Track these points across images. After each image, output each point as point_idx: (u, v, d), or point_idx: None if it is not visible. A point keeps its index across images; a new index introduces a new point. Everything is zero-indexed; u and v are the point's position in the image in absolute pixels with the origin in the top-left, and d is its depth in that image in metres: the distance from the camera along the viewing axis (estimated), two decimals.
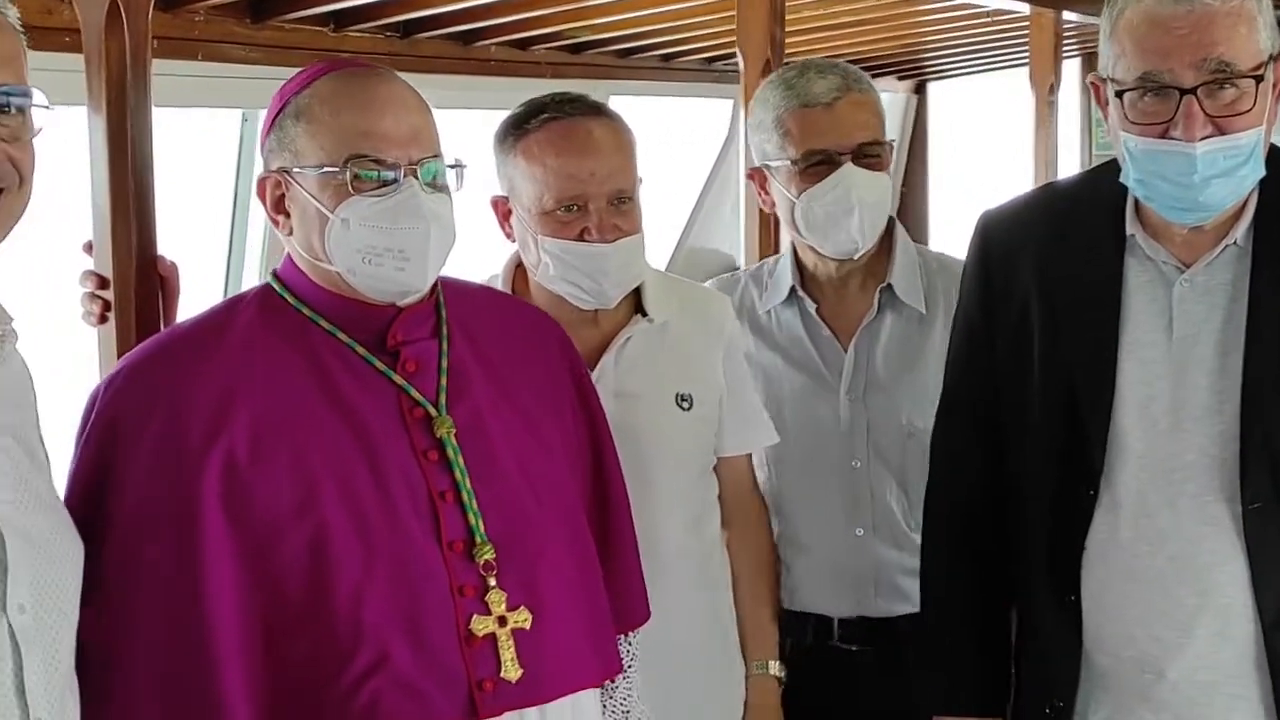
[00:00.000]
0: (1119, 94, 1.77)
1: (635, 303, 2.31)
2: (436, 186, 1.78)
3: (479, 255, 2.44)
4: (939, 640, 2.11)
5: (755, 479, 2.50)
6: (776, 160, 2.45)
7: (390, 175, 1.73)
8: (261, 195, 1.82)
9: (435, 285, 1.85)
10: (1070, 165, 5.75)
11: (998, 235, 2.04)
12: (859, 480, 2.48)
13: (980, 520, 2.06)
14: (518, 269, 2.33)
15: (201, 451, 1.68)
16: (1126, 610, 1.87)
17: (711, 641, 2.37)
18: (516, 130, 2.20)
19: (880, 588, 2.48)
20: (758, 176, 2.54)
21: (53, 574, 1.52)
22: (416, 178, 1.74)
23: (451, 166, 1.82)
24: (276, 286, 1.84)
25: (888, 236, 2.53)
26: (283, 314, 1.81)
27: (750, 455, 2.48)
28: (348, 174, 1.72)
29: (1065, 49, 5.15)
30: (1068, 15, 4.65)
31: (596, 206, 2.16)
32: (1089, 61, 6.31)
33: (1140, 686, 1.87)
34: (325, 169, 1.73)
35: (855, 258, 2.46)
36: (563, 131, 2.17)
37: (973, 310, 2.05)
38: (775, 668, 2.43)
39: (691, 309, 2.37)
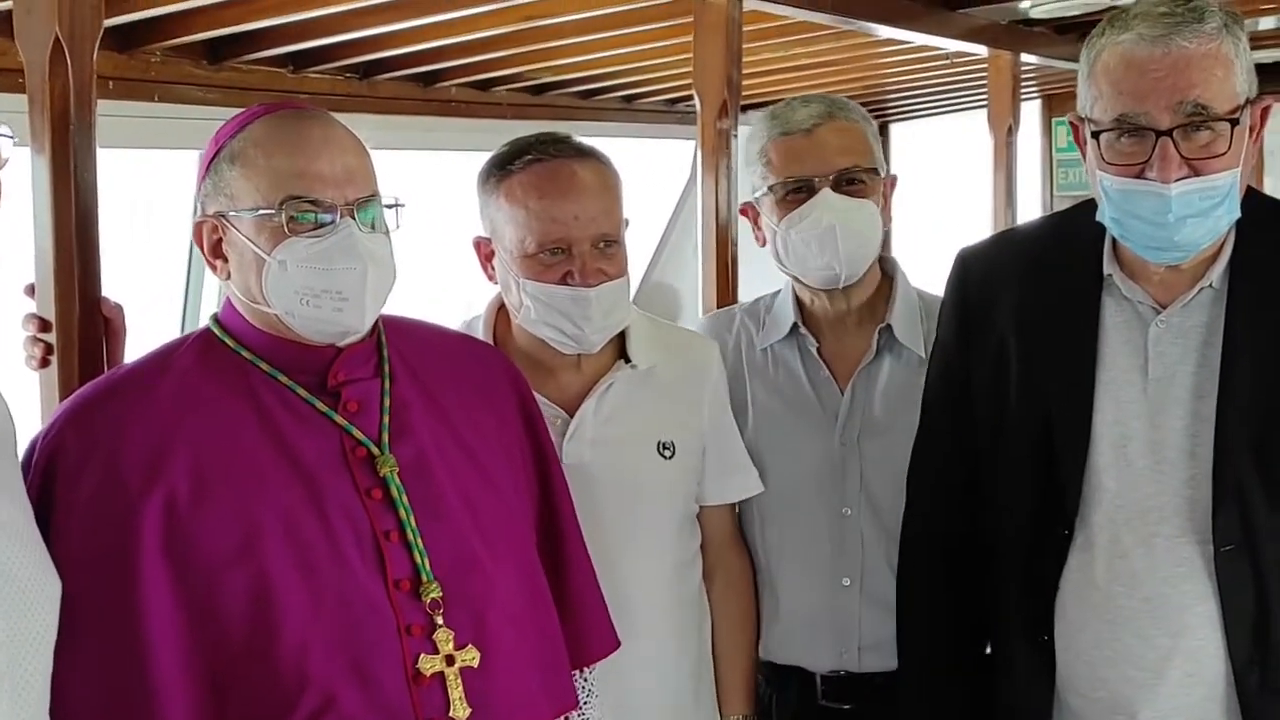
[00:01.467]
0: (1095, 134, 1.78)
1: (619, 347, 2.28)
2: (374, 226, 1.77)
3: (458, 295, 2.42)
4: (916, 679, 2.11)
5: (738, 529, 2.46)
6: (761, 191, 2.42)
7: (326, 216, 1.73)
8: (198, 240, 1.82)
9: (377, 324, 1.85)
10: (1030, 205, 5.80)
11: (976, 272, 2.04)
12: (849, 528, 2.40)
13: (959, 557, 2.05)
14: (499, 310, 2.30)
15: (141, 495, 1.67)
16: (1099, 651, 1.86)
17: (687, 692, 2.34)
18: (500, 171, 2.17)
19: (865, 641, 2.41)
20: (750, 212, 2.50)
21: (28, 609, 1.50)
22: (353, 218, 1.74)
23: (389, 206, 1.81)
24: (216, 330, 1.84)
25: (888, 277, 2.49)
26: (223, 357, 1.80)
27: (733, 505, 2.44)
28: (283, 216, 1.72)
29: (1024, 91, 5.19)
30: (1026, 57, 4.69)
31: (580, 250, 2.13)
32: (1048, 103, 6.38)
33: None
34: (261, 211, 1.73)
35: (839, 287, 2.40)
36: (547, 173, 2.13)
37: (950, 346, 2.05)
38: (751, 717, 2.40)
39: (677, 354, 2.34)
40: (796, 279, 2.43)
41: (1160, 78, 1.71)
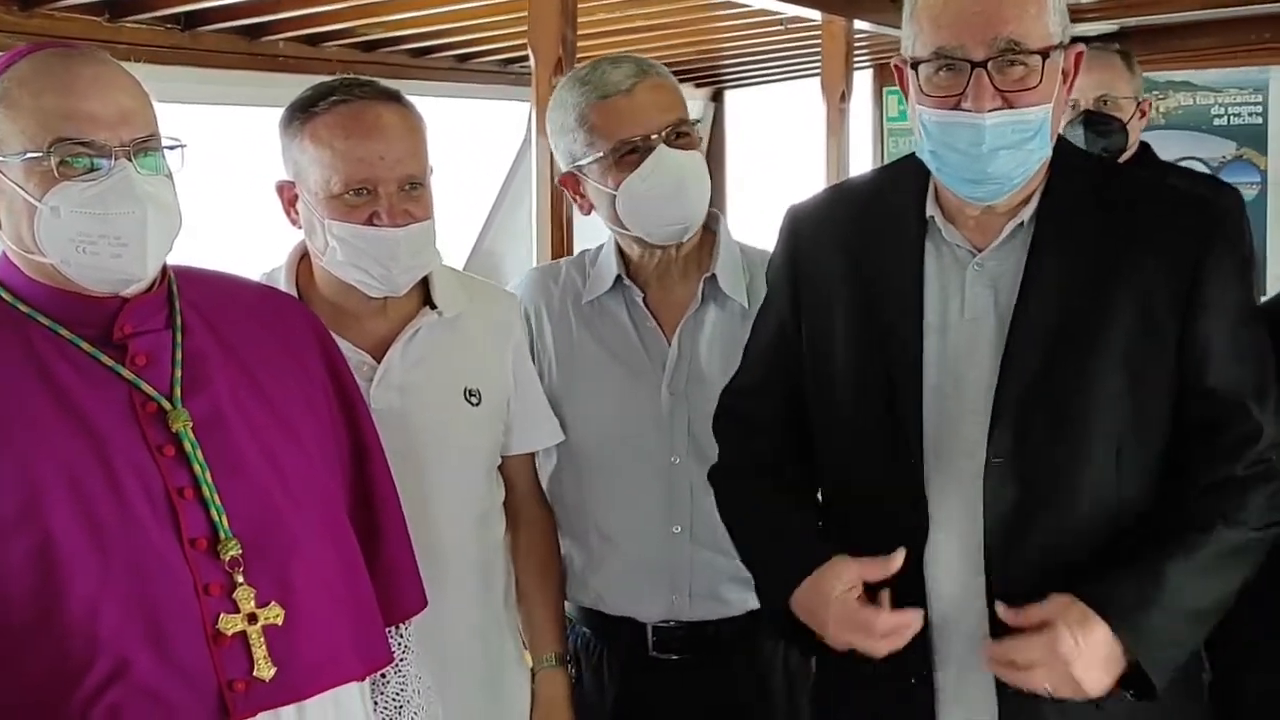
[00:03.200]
0: (914, 67, 1.82)
1: (424, 294, 2.26)
2: (153, 168, 1.69)
3: (277, 247, 2.35)
4: (752, 543, 2.09)
5: (538, 479, 2.47)
6: (587, 158, 2.39)
7: (101, 159, 1.64)
8: None
9: (167, 274, 1.77)
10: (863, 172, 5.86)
11: (805, 226, 2.06)
12: (678, 476, 2.41)
13: (784, 473, 2.06)
14: (302, 258, 2.26)
15: None
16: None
17: (491, 640, 2.33)
18: (303, 113, 2.13)
19: (696, 589, 2.42)
20: (570, 182, 2.47)
21: None
22: (130, 160, 1.66)
23: (170, 147, 1.73)
24: None
25: (710, 229, 2.50)
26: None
27: (534, 456, 2.44)
28: (53, 159, 1.62)
29: (857, 59, 5.25)
30: (859, 24, 4.75)
31: (387, 191, 2.10)
32: (880, 72, 6.47)
33: None
34: (29, 155, 1.63)
35: (684, 239, 2.41)
36: (352, 114, 2.10)
37: (780, 300, 2.06)
38: (563, 659, 2.39)
39: (481, 305, 2.33)
40: (636, 238, 2.42)
41: (976, 12, 1.76)
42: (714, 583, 2.40)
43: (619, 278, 2.46)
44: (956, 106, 1.78)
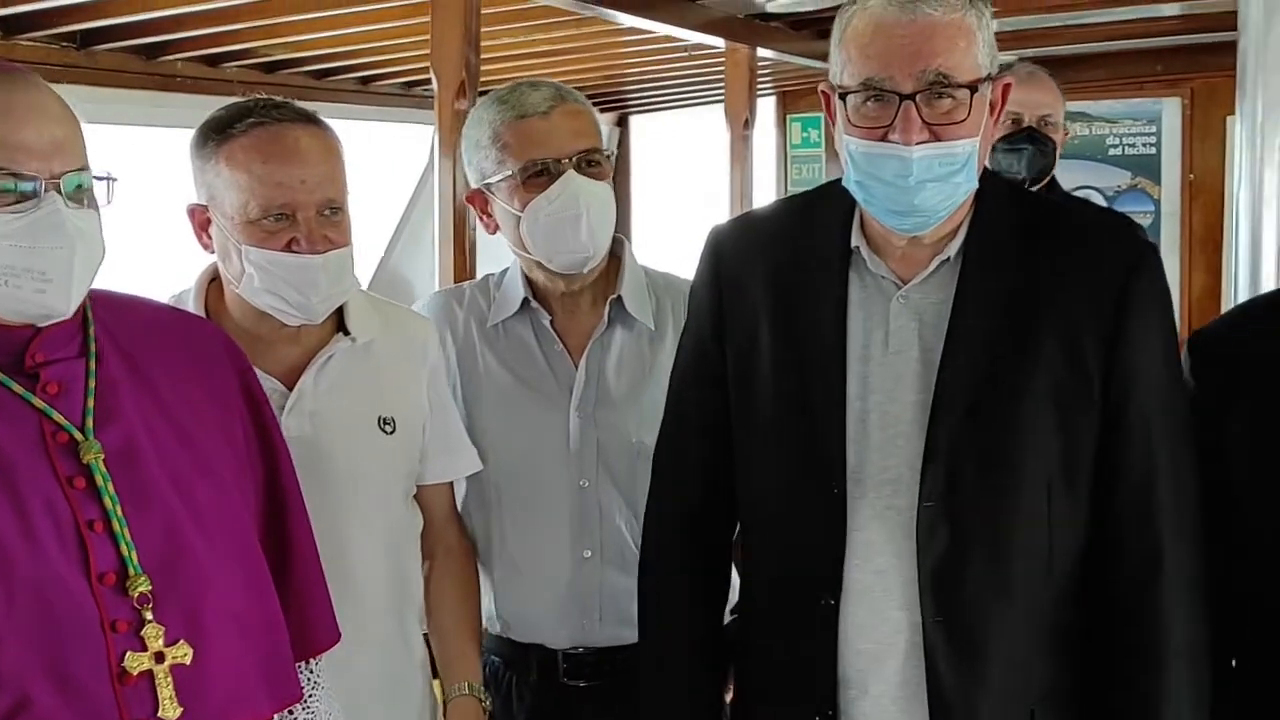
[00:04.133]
0: (843, 97, 1.81)
1: (337, 320, 2.20)
2: (82, 202, 1.65)
3: (174, 269, 2.31)
4: (657, 654, 2.09)
5: (456, 507, 2.43)
6: (497, 176, 2.36)
7: (30, 189, 1.59)
8: None
9: (83, 300, 1.72)
10: (766, 199, 5.91)
11: (729, 249, 2.03)
12: (587, 500, 2.38)
13: (705, 532, 2.06)
14: (212, 283, 2.19)
15: None
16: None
17: (403, 671, 2.28)
18: (219, 135, 2.06)
19: (606, 613, 2.39)
20: (478, 199, 2.44)
21: None
22: (59, 193, 1.61)
23: (99, 179, 1.69)
24: None
25: (615, 254, 2.48)
26: None
27: (452, 484, 2.40)
28: None
29: (760, 86, 5.29)
30: (762, 52, 4.78)
31: (305, 216, 2.04)
32: (783, 99, 6.53)
33: None
34: None
35: (585, 270, 2.38)
36: (270, 137, 2.04)
37: (704, 323, 2.04)
38: (477, 690, 2.33)
39: (395, 330, 2.28)
40: (538, 263, 2.40)
41: (906, 44, 1.75)
42: (623, 604, 2.36)
43: (525, 301, 2.45)
44: (884, 138, 1.76)
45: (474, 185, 2.43)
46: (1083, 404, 1.81)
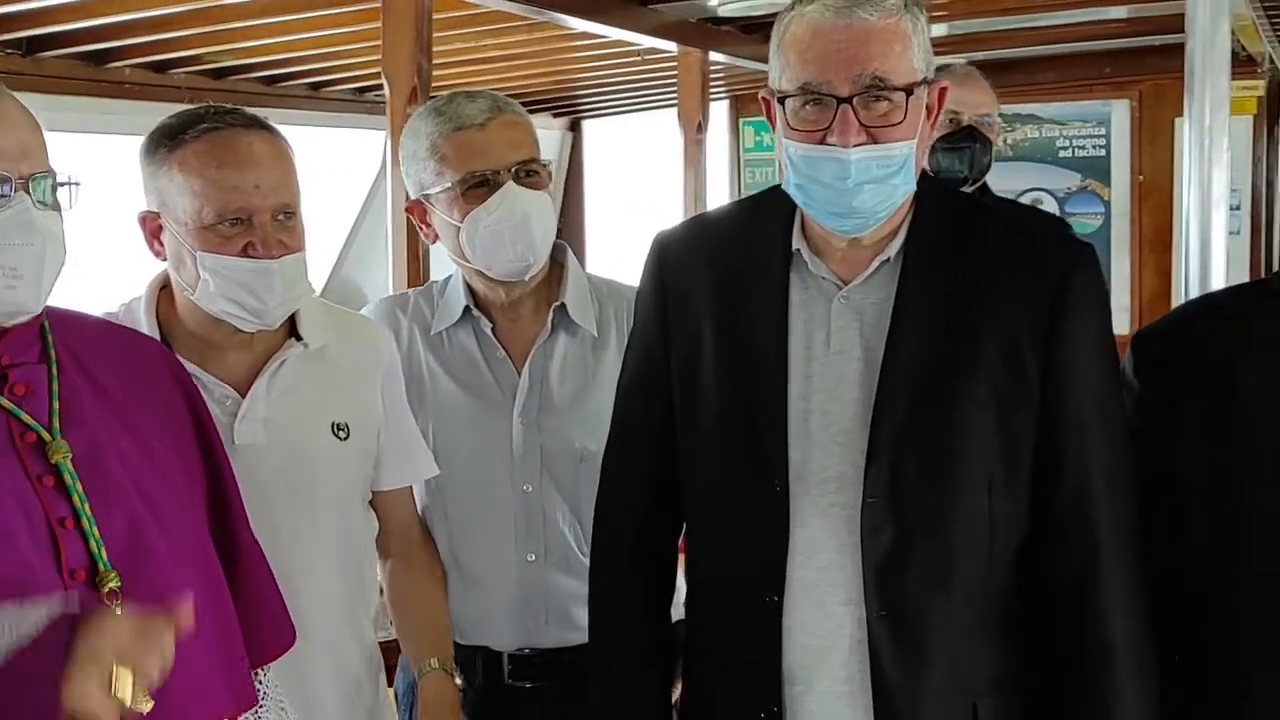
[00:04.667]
0: (781, 101, 1.83)
1: (290, 327, 2.20)
2: (48, 204, 1.69)
3: (123, 276, 2.30)
4: (607, 657, 2.11)
5: (416, 510, 2.45)
6: (436, 188, 2.39)
7: (1, 190, 1.64)
8: None
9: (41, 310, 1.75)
10: (720, 202, 5.92)
11: (672, 255, 2.06)
12: (531, 505, 2.42)
13: (653, 538, 2.09)
14: (163, 290, 2.19)
15: None
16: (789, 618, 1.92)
17: (356, 673, 2.28)
18: (170, 141, 2.06)
19: (551, 615, 2.44)
20: (417, 210, 2.47)
21: None
22: (29, 193, 1.65)
23: (63, 184, 1.72)
24: None
25: (557, 261, 2.51)
26: None
27: (411, 487, 2.41)
28: None
29: (713, 90, 5.30)
30: (715, 56, 4.80)
31: (261, 220, 2.05)
32: (736, 103, 6.54)
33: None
34: None
35: (526, 278, 2.42)
36: (224, 142, 2.05)
37: (649, 329, 2.06)
38: (448, 664, 2.32)
39: (348, 336, 2.29)
40: (479, 271, 2.41)
41: (842, 48, 1.78)
42: (568, 606, 2.42)
43: (467, 309, 2.47)
44: (822, 141, 1.79)
45: (413, 196, 2.46)
46: (1021, 403, 1.84)
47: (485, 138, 2.36)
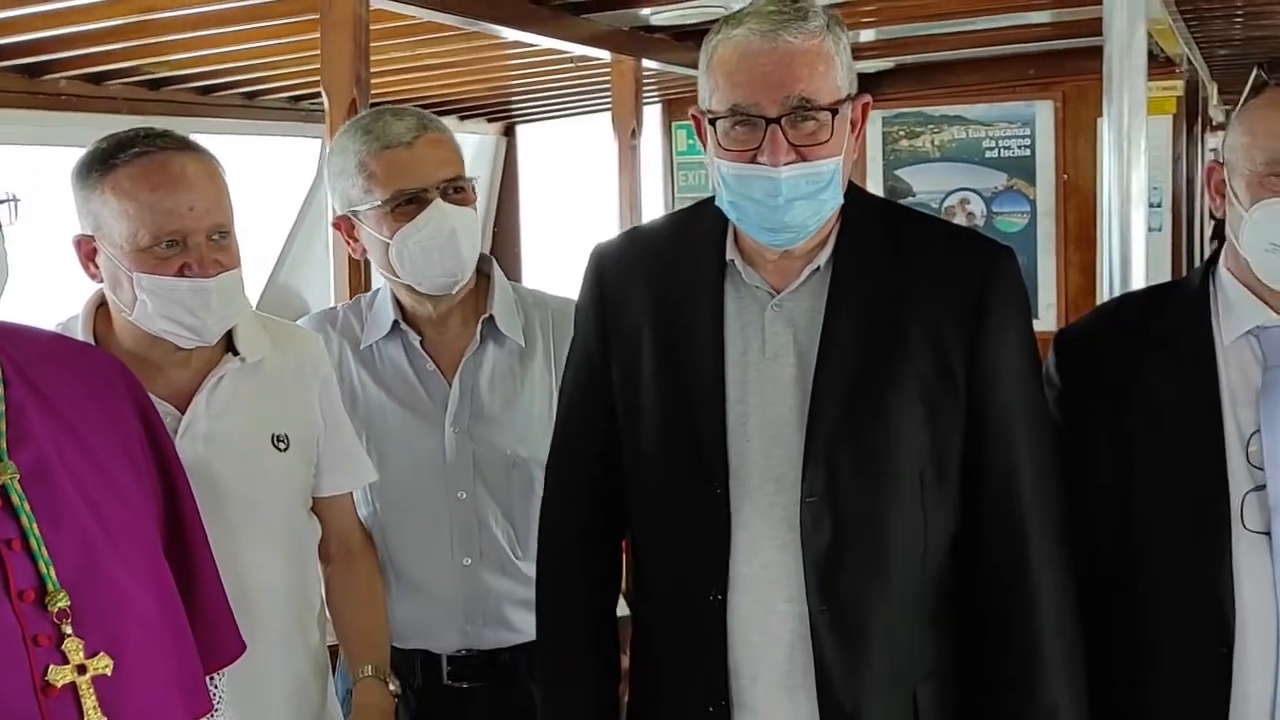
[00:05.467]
0: (712, 122, 1.89)
1: (227, 342, 2.24)
2: None
3: (62, 289, 2.31)
4: (556, 660, 2.16)
5: (357, 515, 2.48)
6: (364, 204, 2.43)
7: None
8: None
9: None
10: (654, 207, 5.97)
11: (610, 267, 2.11)
12: (466, 511, 2.49)
13: (597, 545, 2.14)
14: (99, 309, 2.21)
15: None
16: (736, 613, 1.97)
17: (304, 675, 2.31)
18: (102, 165, 2.09)
19: (488, 617, 2.50)
20: (344, 225, 2.51)
21: None
22: None
23: (2, 201, 1.73)
24: None
25: (484, 273, 2.57)
26: None
27: (351, 494, 2.45)
28: None
29: (646, 95, 5.34)
30: (647, 63, 4.83)
31: (196, 242, 2.08)
32: (669, 107, 6.59)
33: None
34: None
35: (454, 292, 2.47)
36: (156, 165, 2.07)
37: (589, 340, 2.10)
38: (383, 671, 2.35)
39: (284, 347, 2.32)
40: (407, 285, 2.46)
41: (769, 71, 1.83)
42: (504, 608, 2.49)
43: (396, 323, 2.52)
44: (753, 160, 1.85)
45: (339, 211, 2.51)
46: (948, 402, 1.91)
47: (413, 156, 2.41)
